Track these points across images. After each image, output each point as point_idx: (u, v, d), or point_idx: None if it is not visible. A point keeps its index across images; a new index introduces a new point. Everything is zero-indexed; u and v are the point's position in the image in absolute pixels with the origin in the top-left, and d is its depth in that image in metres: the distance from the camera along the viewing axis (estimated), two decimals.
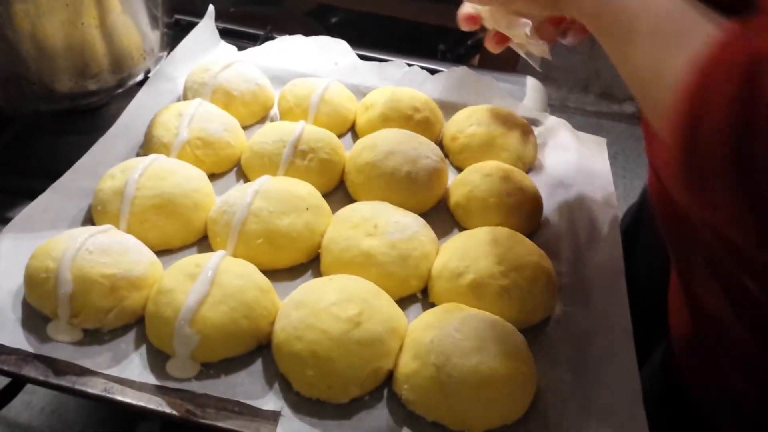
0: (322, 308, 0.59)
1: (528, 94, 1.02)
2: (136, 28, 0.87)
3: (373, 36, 1.67)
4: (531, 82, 1.05)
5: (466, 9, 0.70)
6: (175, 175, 0.71)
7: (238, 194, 0.70)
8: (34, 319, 0.61)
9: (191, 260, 0.63)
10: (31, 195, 0.72)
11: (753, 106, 0.35)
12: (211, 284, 0.60)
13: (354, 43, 1.03)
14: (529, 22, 0.67)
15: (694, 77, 0.39)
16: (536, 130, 0.91)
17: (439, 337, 0.58)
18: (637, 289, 0.73)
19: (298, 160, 0.77)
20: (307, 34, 1.04)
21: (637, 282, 0.74)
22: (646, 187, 0.85)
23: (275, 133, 0.80)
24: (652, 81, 0.44)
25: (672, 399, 0.70)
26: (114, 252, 0.61)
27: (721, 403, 0.65)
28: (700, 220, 0.49)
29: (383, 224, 0.68)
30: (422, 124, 0.86)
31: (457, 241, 0.70)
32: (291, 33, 1.04)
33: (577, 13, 0.56)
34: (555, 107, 2.85)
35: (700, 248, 0.61)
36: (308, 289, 0.62)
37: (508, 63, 1.22)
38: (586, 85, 2.90)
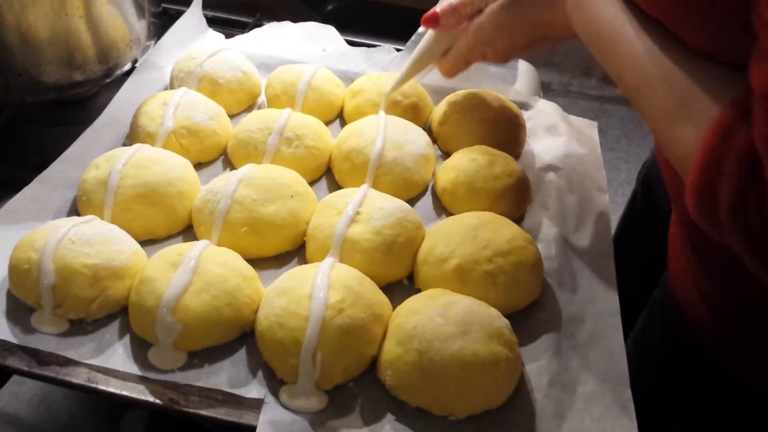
0: (305, 295, 0.59)
1: (519, 78, 1.01)
2: (121, 18, 0.86)
3: (370, 23, 1.66)
4: (523, 66, 1.04)
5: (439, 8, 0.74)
6: (159, 164, 0.71)
7: (222, 183, 0.70)
8: (19, 310, 0.61)
9: (174, 249, 0.63)
10: (19, 186, 0.73)
11: (753, 187, 0.43)
12: (193, 273, 0.60)
13: (351, 30, 1.02)
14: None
15: (704, 161, 0.45)
16: (526, 114, 0.90)
17: (422, 322, 0.58)
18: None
19: (284, 147, 0.77)
20: (301, 21, 1.03)
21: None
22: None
23: (261, 120, 0.79)
24: (665, 143, 0.51)
25: (671, 337, 0.72)
26: (96, 242, 0.61)
27: (716, 333, 0.66)
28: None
29: (368, 210, 0.68)
30: (410, 109, 0.86)
31: (443, 226, 0.70)
32: (285, 20, 1.03)
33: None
34: (557, 92, 2.83)
35: None
36: (291, 276, 0.62)
37: None
38: (588, 69, 2.87)
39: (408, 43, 0.84)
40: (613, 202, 2.32)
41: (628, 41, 0.53)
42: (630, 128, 2.65)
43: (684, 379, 0.71)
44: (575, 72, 2.89)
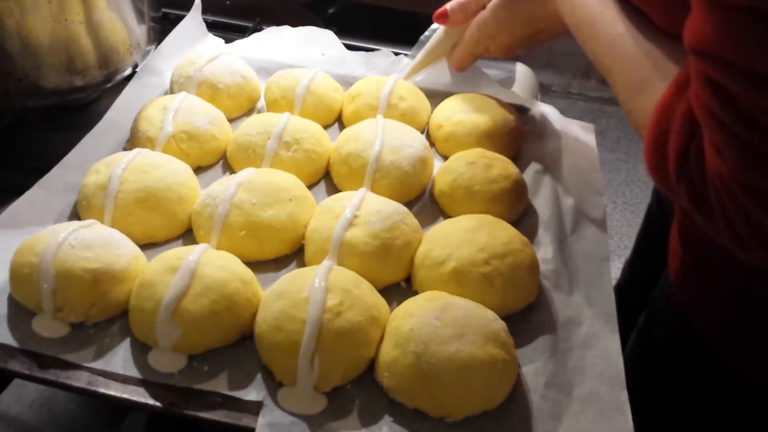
0: (303, 299, 0.59)
1: (517, 81, 1.01)
2: (121, 23, 0.87)
3: (371, 27, 1.66)
4: (521, 69, 1.04)
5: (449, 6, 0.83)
6: (158, 168, 0.71)
7: (221, 187, 0.71)
8: (20, 314, 0.62)
9: (173, 253, 0.63)
10: (20, 191, 0.73)
11: (693, 141, 0.48)
12: (192, 277, 0.60)
13: (351, 34, 1.03)
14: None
15: (656, 123, 0.51)
16: (523, 117, 0.90)
17: (419, 325, 0.59)
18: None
19: (282, 151, 0.77)
20: (303, 25, 1.03)
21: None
22: None
23: (260, 124, 0.80)
24: (631, 115, 0.57)
25: (673, 333, 0.74)
26: (96, 246, 0.62)
27: (717, 325, 0.68)
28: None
29: (365, 214, 0.69)
30: (408, 112, 0.86)
31: (440, 229, 0.70)
32: (287, 24, 1.04)
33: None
34: (557, 93, 2.84)
35: None
36: (289, 279, 0.63)
37: None
38: (587, 70, 2.88)
39: (421, 37, 0.91)
40: (612, 203, 2.34)
41: (605, 26, 0.60)
42: (630, 130, 2.65)
43: (687, 375, 0.72)
44: (575, 74, 2.90)
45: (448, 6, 0.83)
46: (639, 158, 2.53)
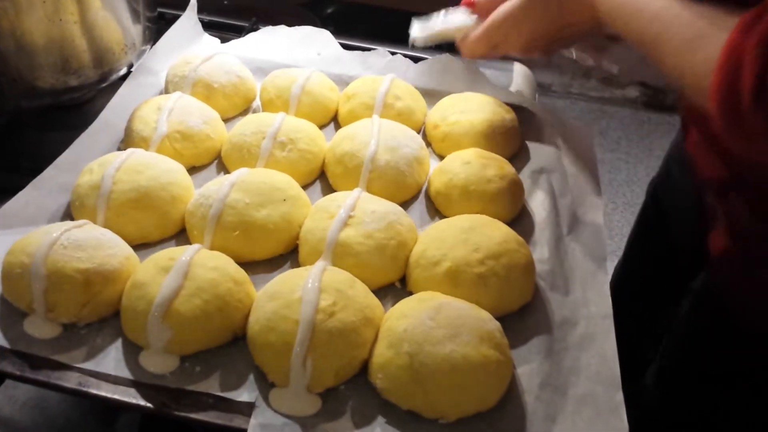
0: (296, 299, 0.59)
1: (515, 80, 1.01)
2: (116, 23, 0.87)
3: (369, 26, 1.66)
4: (518, 68, 1.04)
5: None
6: (151, 168, 0.71)
7: (214, 187, 0.70)
8: (12, 314, 0.61)
9: (165, 253, 0.63)
10: (15, 191, 0.73)
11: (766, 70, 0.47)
12: (184, 277, 0.60)
13: (349, 33, 1.02)
14: None
15: (726, 59, 0.50)
16: (521, 117, 0.90)
17: (413, 325, 0.58)
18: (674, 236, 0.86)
19: (277, 151, 0.77)
20: (300, 24, 1.03)
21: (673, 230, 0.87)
22: (669, 157, 0.93)
23: (254, 124, 0.79)
24: (685, 75, 0.56)
25: (714, 318, 0.74)
26: (88, 246, 0.62)
27: (758, 313, 0.68)
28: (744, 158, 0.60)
29: (360, 214, 0.68)
30: (404, 112, 0.86)
31: (435, 229, 0.70)
32: (285, 24, 1.03)
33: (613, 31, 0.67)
34: (558, 93, 2.83)
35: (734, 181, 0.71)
36: (282, 280, 0.62)
37: None
38: (588, 70, 2.87)
39: (450, 8, 0.86)
40: (612, 203, 2.33)
41: (645, 5, 0.60)
42: (630, 129, 2.65)
43: (738, 367, 0.72)
44: (575, 73, 2.89)
45: None
46: (639, 158, 2.52)
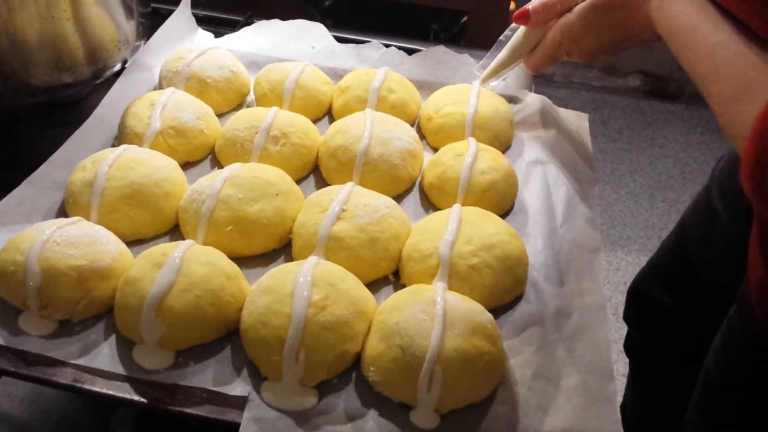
0: (288, 293, 0.59)
1: (511, 71, 1.00)
2: (109, 19, 0.87)
3: (368, 19, 1.66)
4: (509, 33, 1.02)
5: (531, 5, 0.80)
6: (144, 164, 0.71)
7: (207, 182, 0.71)
8: (6, 311, 0.62)
9: (158, 249, 0.63)
10: (10, 188, 0.73)
11: None
12: (177, 273, 0.60)
13: (348, 26, 1.02)
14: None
15: (759, 128, 0.48)
16: (515, 108, 0.89)
17: (405, 318, 0.58)
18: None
19: (270, 145, 0.77)
20: (299, 18, 1.03)
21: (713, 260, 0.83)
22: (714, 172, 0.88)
23: (248, 119, 0.79)
24: (729, 126, 0.54)
25: (751, 347, 0.70)
26: (81, 243, 0.62)
27: None
28: None
29: (352, 207, 0.68)
30: (398, 104, 0.86)
31: (428, 221, 0.70)
32: (283, 17, 1.03)
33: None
34: (559, 83, 2.82)
35: None
36: (274, 274, 0.63)
37: (494, 41, 1.20)
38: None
39: (501, 37, 0.87)
40: (615, 193, 2.32)
41: (704, 34, 0.58)
42: (632, 119, 2.64)
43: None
44: (577, 63, 2.88)
45: (530, 6, 0.80)
46: (641, 148, 2.51)
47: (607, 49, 0.75)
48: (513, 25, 0.85)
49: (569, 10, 0.76)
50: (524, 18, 0.80)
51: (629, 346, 1.05)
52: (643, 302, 0.98)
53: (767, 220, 0.50)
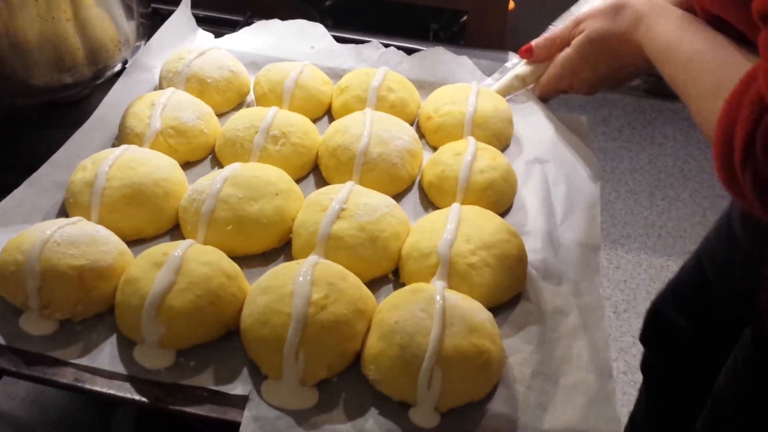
0: (287, 293, 0.59)
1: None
2: (109, 20, 0.87)
3: (367, 19, 1.66)
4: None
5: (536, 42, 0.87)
6: (145, 164, 0.71)
7: (207, 182, 0.71)
8: (7, 311, 0.62)
9: (158, 249, 0.63)
10: (11, 189, 0.73)
11: (762, 129, 0.47)
12: (177, 272, 0.60)
13: (348, 26, 1.02)
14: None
15: (724, 114, 0.51)
16: (514, 107, 0.89)
17: (404, 317, 0.58)
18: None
19: (270, 145, 0.77)
20: (299, 18, 1.03)
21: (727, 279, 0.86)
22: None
23: (247, 119, 0.80)
24: (706, 122, 0.56)
25: (763, 368, 0.72)
26: (82, 243, 0.62)
27: None
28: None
29: (352, 206, 0.68)
30: (397, 104, 0.86)
31: (427, 220, 0.70)
32: (283, 17, 1.03)
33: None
34: None
35: None
36: (274, 274, 0.63)
37: (493, 40, 1.21)
38: None
39: (506, 64, 0.93)
40: (615, 191, 2.32)
41: (683, 46, 0.62)
42: (633, 117, 2.64)
43: None
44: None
45: (533, 42, 0.86)
46: (642, 146, 2.51)
47: (605, 80, 0.81)
48: (515, 59, 0.92)
49: (569, 44, 0.81)
50: (528, 53, 0.87)
51: (645, 366, 1.06)
52: (660, 326, 0.99)
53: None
